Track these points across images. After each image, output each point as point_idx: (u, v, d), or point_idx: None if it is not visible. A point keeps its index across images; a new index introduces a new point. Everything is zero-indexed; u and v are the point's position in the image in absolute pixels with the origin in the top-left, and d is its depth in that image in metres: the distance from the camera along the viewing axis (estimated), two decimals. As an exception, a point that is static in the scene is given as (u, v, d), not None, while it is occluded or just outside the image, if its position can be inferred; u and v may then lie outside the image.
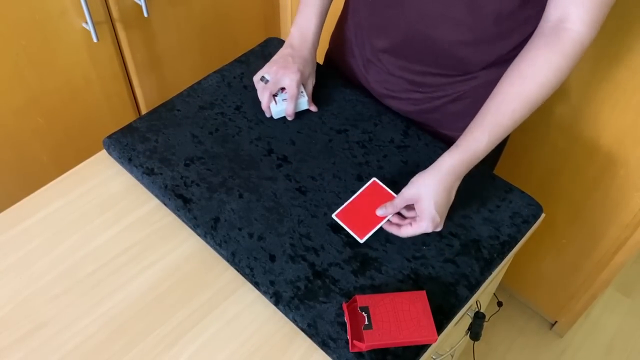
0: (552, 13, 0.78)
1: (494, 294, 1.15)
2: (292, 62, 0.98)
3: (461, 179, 0.84)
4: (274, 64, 0.99)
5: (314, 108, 1.02)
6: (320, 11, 1.01)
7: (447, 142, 1.02)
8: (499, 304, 1.08)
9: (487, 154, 0.83)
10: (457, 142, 0.83)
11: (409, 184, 0.84)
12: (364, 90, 1.08)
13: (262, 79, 0.99)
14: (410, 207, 0.85)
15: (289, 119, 1.00)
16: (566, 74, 0.80)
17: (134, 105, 1.45)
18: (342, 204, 0.88)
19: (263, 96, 0.98)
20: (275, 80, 0.98)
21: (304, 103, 1.00)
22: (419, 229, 0.82)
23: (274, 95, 0.99)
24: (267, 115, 1.00)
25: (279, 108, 0.98)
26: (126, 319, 0.79)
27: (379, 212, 0.86)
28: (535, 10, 0.83)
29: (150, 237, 0.88)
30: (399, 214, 0.87)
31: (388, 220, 0.86)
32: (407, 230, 0.84)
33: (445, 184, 0.82)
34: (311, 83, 1.03)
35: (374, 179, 0.90)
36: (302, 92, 1.00)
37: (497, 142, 0.83)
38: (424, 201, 0.81)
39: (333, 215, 0.86)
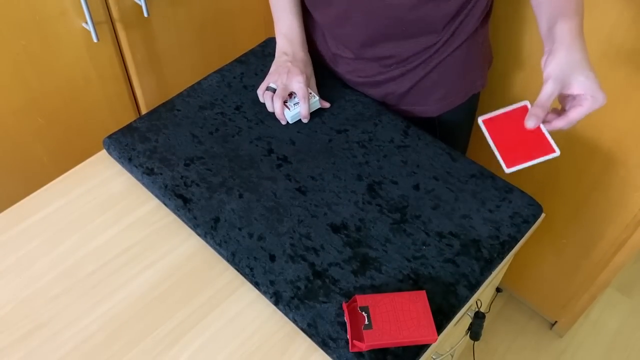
0: None
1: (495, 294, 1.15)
2: (293, 66, 0.99)
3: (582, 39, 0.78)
4: (276, 73, 1.00)
5: (326, 104, 1.02)
6: (296, 11, 1.03)
7: (426, 123, 1.06)
8: (498, 289, 1.08)
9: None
10: (558, 16, 0.77)
11: (547, 76, 0.76)
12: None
13: (269, 88, 0.99)
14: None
15: (305, 121, 1.00)
16: None
17: (134, 105, 1.45)
18: (343, 204, 0.88)
19: (276, 104, 0.98)
20: (283, 86, 0.98)
21: (317, 102, 1.01)
22: (595, 104, 0.74)
23: (284, 102, 0.99)
24: (283, 122, 1.00)
25: (293, 112, 0.98)
26: (126, 319, 0.79)
27: (530, 123, 0.76)
28: None
29: (150, 237, 0.88)
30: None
31: (545, 122, 0.77)
32: (578, 112, 0.75)
33: (583, 49, 0.76)
34: (314, 82, 1.03)
35: (480, 119, 0.79)
36: (311, 92, 1.00)
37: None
38: (581, 76, 0.74)
39: (506, 169, 0.75)
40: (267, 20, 1.64)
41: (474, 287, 0.82)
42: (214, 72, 1.09)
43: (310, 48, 1.09)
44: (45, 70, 1.21)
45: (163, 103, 1.03)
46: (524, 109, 0.77)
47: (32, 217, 0.89)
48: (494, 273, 0.86)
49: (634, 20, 1.03)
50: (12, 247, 0.86)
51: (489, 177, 0.94)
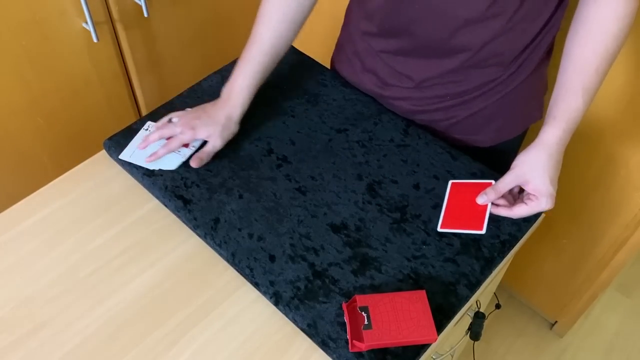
0: None
1: (495, 294, 1.15)
2: (191, 115, 0.93)
3: (565, 146, 0.83)
4: (185, 113, 0.95)
5: (194, 164, 0.92)
6: (253, 71, 0.95)
7: (474, 150, 1.02)
8: (497, 306, 1.08)
9: (583, 115, 0.82)
10: (553, 113, 0.83)
11: (514, 166, 0.83)
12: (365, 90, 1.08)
13: (170, 120, 0.95)
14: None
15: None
16: (633, 19, 0.79)
17: (134, 105, 1.45)
18: (343, 203, 0.88)
19: (171, 144, 0.91)
20: (191, 132, 0.92)
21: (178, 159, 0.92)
22: (537, 207, 0.81)
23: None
24: (149, 161, 0.92)
25: (180, 157, 0.93)
26: (126, 319, 0.79)
27: (480, 200, 0.84)
28: None
29: (150, 237, 0.88)
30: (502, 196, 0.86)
31: (494, 204, 0.84)
32: (521, 210, 0.83)
33: (555, 157, 0.82)
34: (212, 145, 0.93)
35: (451, 181, 0.89)
36: (192, 146, 0.94)
37: (589, 103, 0.82)
38: (537, 179, 0.81)
39: (438, 229, 0.84)
40: (267, 20, 1.63)
41: (474, 287, 0.82)
42: (214, 72, 1.09)
43: (344, 64, 1.06)
44: (45, 70, 1.21)
45: (163, 103, 1.03)
46: (487, 185, 0.87)
47: (32, 217, 0.89)
48: (494, 272, 0.86)
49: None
50: (12, 247, 0.85)
51: (490, 177, 0.94)
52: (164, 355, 0.76)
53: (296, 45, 1.10)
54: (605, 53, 0.80)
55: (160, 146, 0.92)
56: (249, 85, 0.95)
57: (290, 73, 1.09)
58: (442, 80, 0.95)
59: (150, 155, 0.92)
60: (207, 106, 0.96)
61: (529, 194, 0.84)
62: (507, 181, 0.85)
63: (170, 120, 0.95)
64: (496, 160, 1.01)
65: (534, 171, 0.82)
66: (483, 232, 0.83)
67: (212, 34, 1.52)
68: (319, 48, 1.34)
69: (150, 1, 1.29)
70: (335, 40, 1.13)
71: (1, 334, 0.77)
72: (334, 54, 1.14)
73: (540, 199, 0.82)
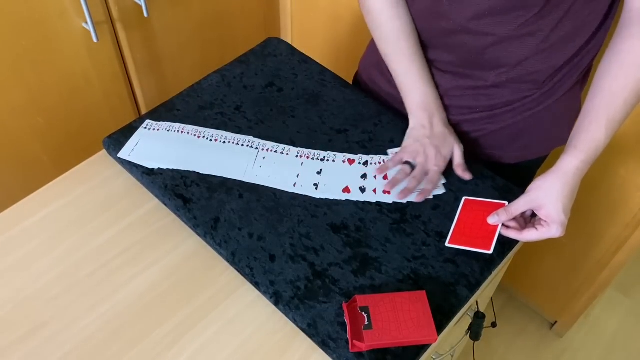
0: (635, 1, 0.78)
1: (493, 311, 1.15)
2: (431, 145, 0.91)
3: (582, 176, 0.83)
4: (411, 148, 0.92)
5: (467, 176, 0.92)
6: (427, 78, 0.93)
7: (498, 165, 1.01)
8: (493, 324, 1.08)
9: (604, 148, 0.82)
10: (574, 143, 0.82)
11: (529, 190, 0.83)
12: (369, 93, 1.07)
13: (408, 163, 0.93)
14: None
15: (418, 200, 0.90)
16: None
17: (134, 105, 1.45)
18: (342, 203, 0.88)
19: (411, 184, 0.90)
20: (422, 168, 0.91)
21: (441, 189, 0.92)
22: (547, 234, 0.81)
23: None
24: (398, 197, 0.90)
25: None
26: (126, 319, 0.79)
27: (491, 220, 0.84)
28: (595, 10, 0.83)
29: (150, 237, 0.88)
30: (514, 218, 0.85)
31: (504, 225, 0.85)
32: (531, 235, 0.82)
33: (571, 186, 0.81)
34: (457, 153, 0.93)
35: (464, 198, 0.88)
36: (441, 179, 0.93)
37: (613, 135, 0.82)
38: (550, 206, 0.81)
39: (447, 244, 0.84)
40: (267, 20, 1.64)
41: (474, 287, 0.82)
42: (214, 72, 1.08)
43: (379, 78, 1.05)
44: (45, 70, 1.21)
45: (163, 103, 1.03)
46: (500, 206, 0.87)
47: (32, 217, 0.89)
48: (494, 273, 0.86)
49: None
50: (12, 247, 0.85)
51: (489, 177, 0.94)
52: (164, 355, 0.76)
53: (296, 45, 1.10)
54: (636, 87, 0.79)
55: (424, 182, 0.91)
56: (428, 84, 0.94)
57: (291, 73, 1.09)
58: (473, 92, 0.95)
59: (418, 195, 0.90)
60: (420, 131, 0.93)
61: (540, 219, 0.84)
62: (520, 204, 0.84)
63: (410, 164, 0.93)
64: (519, 176, 1.01)
65: (548, 197, 0.81)
66: (490, 252, 0.83)
67: (212, 34, 1.52)
68: (319, 48, 1.34)
69: (150, 1, 1.29)
70: (335, 40, 1.13)
71: (1, 334, 0.77)
72: (364, 56, 1.13)
73: (551, 225, 0.81)
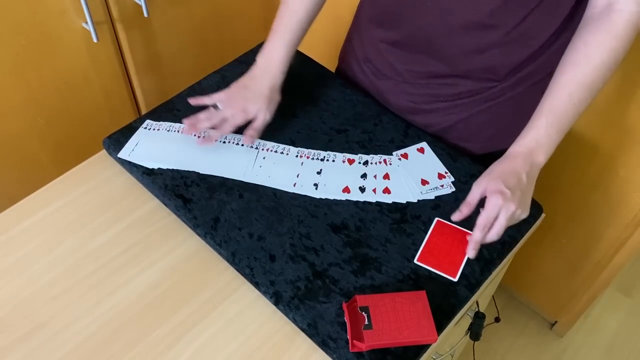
0: None
1: (495, 306, 1.15)
2: (242, 98, 0.94)
3: (531, 165, 0.81)
4: (227, 95, 0.95)
5: (247, 142, 0.95)
6: (289, 39, 0.97)
7: (468, 155, 1.01)
8: (497, 319, 1.08)
9: (553, 139, 0.82)
10: (546, 106, 0.83)
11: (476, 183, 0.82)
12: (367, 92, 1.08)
13: (215, 106, 0.95)
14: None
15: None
16: (622, 55, 0.79)
17: (134, 105, 1.45)
18: (342, 203, 0.88)
19: (225, 128, 0.93)
20: (221, 115, 0.93)
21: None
22: (494, 208, 0.77)
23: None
24: (202, 144, 0.93)
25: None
26: (126, 319, 0.79)
27: (455, 217, 0.81)
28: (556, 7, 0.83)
29: (150, 237, 0.88)
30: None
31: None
32: (481, 219, 0.78)
33: (506, 166, 0.80)
34: (260, 118, 0.94)
35: (436, 219, 0.88)
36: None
37: (560, 128, 0.82)
38: (485, 178, 0.80)
39: (415, 260, 0.84)
40: (267, 20, 1.64)
41: (474, 287, 0.82)
42: (214, 72, 1.08)
43: (352, 65, 1.07)
44: (45, 70, 1.21)
45: (163, 103, 1.03)
46: (468, 234, 0.85)
47: (32, 217, 0.89)
48: (494, 273, 0.86)
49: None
50: (12, 247, 0.85)
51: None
52: (164, 355, 0.76)
53: (296, 45, 1.10)
54: (582, 82, 0.80)
55: (212, 130, 0.93)
56: (288, 53, 0.97)
57: (291, 73, 1.09)
58: (434, 81, 0.96)
59: (202, 140, 0.93)
60: (246, 81, 0.96)
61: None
62: (472, 191, 0.82)
63: (215, 106, 0.95)
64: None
65: (486, 174, 0.81)
66: (455, 280, 0.82)
67: (212, 34, 1.52)
68: (320, 48, 1.34)
69: (150, 1, 1.29)
70: (335, 40, 1.13)
71: (1, 334, 0.77)
72: (343, 45, 1.15)
73: (490, 197, 0.77)
